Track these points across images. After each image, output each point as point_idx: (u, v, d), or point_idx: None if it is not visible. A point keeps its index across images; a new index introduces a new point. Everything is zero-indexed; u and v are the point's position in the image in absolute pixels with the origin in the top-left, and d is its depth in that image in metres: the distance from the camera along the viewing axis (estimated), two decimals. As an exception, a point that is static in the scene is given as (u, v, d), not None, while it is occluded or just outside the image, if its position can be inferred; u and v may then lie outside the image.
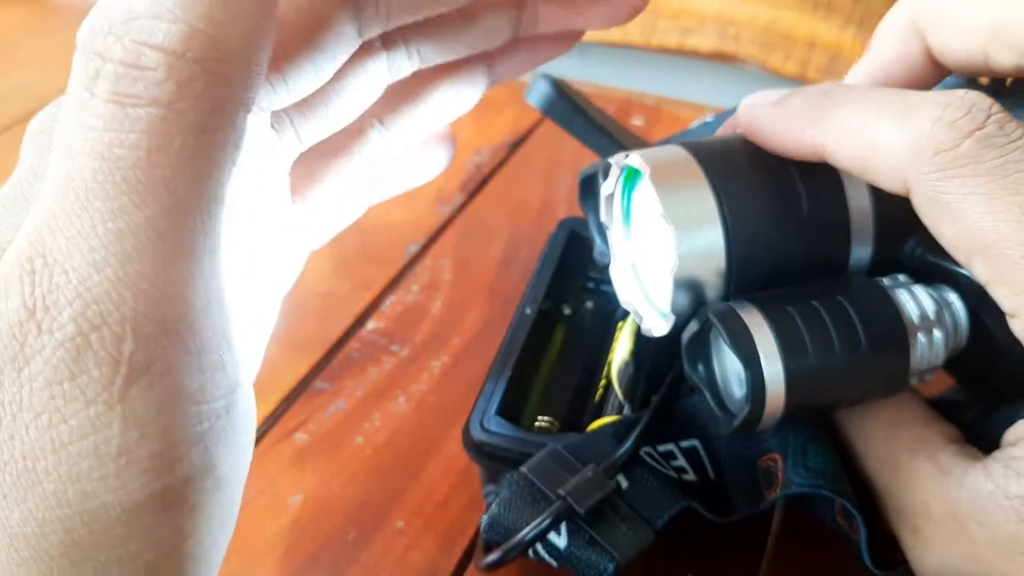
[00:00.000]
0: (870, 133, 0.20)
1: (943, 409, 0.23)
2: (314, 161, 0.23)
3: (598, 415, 0.28)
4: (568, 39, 0.25)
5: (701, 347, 0.23)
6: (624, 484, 0.24)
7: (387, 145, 0.25)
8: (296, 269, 0.26)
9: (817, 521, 0.25)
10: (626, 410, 0.28)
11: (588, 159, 0.49)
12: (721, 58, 0.53)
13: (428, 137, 0.28)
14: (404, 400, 0.34)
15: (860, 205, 0.23)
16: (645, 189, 0.24)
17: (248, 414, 0.19)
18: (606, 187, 0.25)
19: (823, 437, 0.24)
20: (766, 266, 0.23)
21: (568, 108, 0.33)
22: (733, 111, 0.33)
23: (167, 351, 0.16)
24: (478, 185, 0.46)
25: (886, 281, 0.23)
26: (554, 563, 0.24)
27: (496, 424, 0.27)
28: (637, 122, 0.52)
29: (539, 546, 0.24)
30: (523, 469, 0.25)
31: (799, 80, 0.53)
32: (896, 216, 0.23)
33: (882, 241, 0.23)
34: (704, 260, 0.22)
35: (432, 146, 0.28)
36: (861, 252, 0.23)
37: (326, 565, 0.28)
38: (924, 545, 0.22)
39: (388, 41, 0.22)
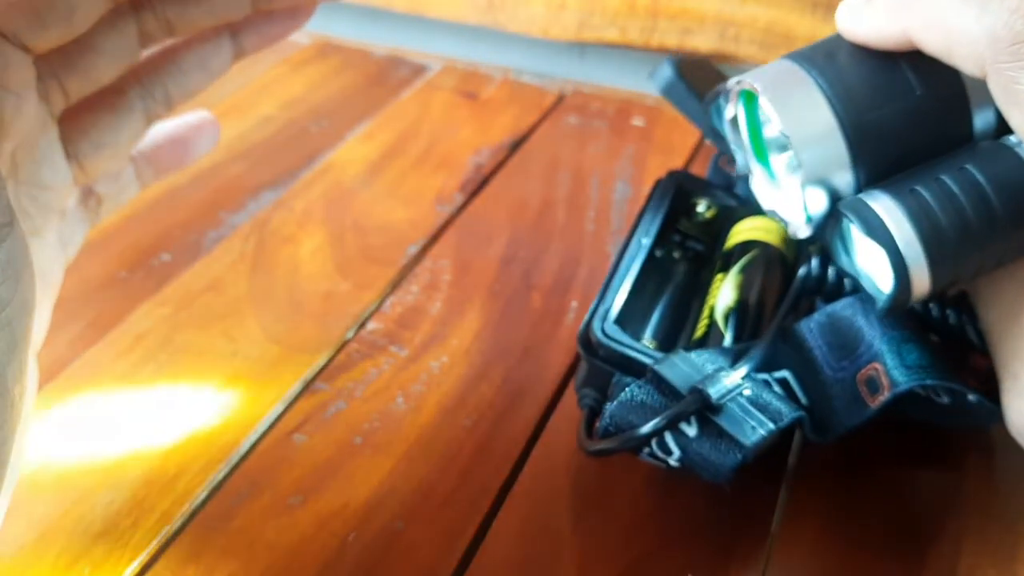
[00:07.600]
0: (951, 22, 0.21)
1: None
2: (83, 117, 0.26)
3: (701, 347, 0.29)
4: (302, 12, 0.28)
5: (845, 242, 0.25)
6: (749, 390, 0.26)
7: (148, 109, 0.27)
8: (76, 240, 0.29)
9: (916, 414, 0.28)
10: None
11: (590, 159, 0.49)
12: (721, 58, 0.53)
13: (191, 122, 0.31)
14: (404, 400, 0.34)
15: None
16: (764, 106, 0.26)
17: (26, 268, 0.21)
18: (728, 111, 0.28)
19: (914, 336, 0.26)
20: (891, 154, 0.24)
21: (684, 92, 0.34)
22: None
23: None
24: (478, 185, 0.46)
25: (1012, 139, 0.23)
26: (675, 454, 0.26)
27: (616, 332, 0.29)
28: (637, 122, 0.52)
29: (662, 440, 0.25)
30: (655, 367, 0.26)
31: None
32: None
33: None
34: (829, 161, 0.24)
35: (195, 130, 0.31)
36: (985, 117, 0.24)
37: (326, 565, 0.28)
38: (1020, 389, 0.24)
39: (137, 4, 0.25)
